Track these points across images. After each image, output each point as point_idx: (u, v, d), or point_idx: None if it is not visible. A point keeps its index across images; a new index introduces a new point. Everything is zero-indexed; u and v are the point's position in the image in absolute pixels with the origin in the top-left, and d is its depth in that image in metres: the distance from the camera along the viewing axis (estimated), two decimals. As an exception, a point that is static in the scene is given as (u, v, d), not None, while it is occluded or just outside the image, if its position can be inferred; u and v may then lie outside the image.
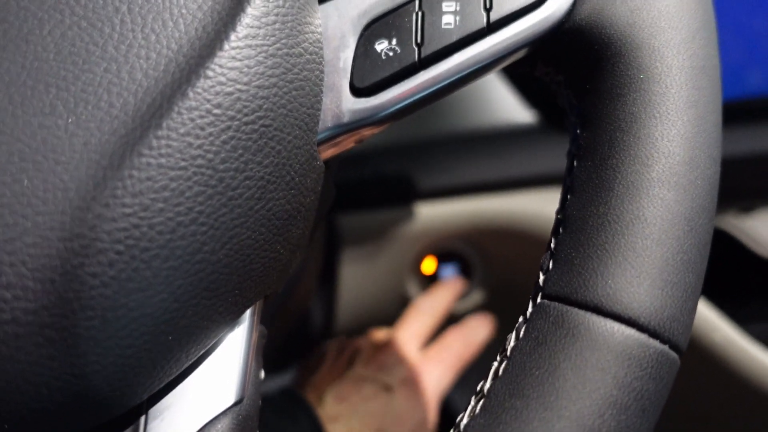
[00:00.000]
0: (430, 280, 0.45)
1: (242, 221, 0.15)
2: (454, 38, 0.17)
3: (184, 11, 0.15)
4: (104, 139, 0.14)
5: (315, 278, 0.43)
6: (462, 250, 0.44)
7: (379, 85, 0.17)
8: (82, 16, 0.15)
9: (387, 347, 0.37)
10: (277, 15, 0.16)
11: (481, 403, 0.15)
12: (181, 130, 0.14)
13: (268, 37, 0.15)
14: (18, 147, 0.13)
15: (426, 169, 0.41)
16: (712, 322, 0.38)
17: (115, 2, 0.15)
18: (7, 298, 0.13)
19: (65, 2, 0.15)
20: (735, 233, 0.41)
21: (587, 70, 0.17)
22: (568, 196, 0.17)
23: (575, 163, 0.17)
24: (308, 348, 0.41)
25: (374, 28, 0.18)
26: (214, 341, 0.16)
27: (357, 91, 0.17)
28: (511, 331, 0.16)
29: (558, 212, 0.17)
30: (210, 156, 0.14)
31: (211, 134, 0.14)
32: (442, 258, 0.44)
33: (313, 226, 0.19)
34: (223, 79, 0.14)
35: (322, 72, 0.17)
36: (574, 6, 0.17)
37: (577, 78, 0.18)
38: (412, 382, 0.36)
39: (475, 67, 0.17)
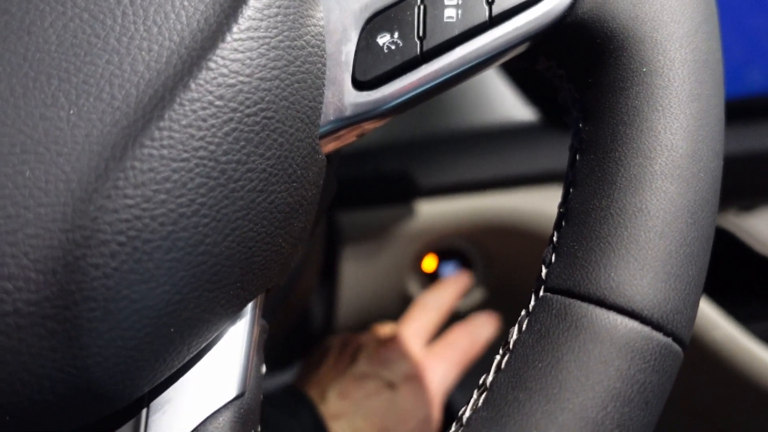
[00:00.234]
0: (431, 278, 0.45)
1: (244, 213, 0.15)
2: (456, 32, 0.17)
3: (186, 3, 0.15)
4: (106, 131, 0.14)
5: (316, 275, 0.43)
6: (462, 248, 0.44)
7: (381, 78, 0.17)
8: (83, 7, 0.15)
9: (391, 343, 0.37)
10: (279, 7, 0.16)
11: (483, 396, 0.15)
12: (183, 122, 0.14)
13: (270, 30, 0.15)
14: (20, 138, 0.13)
15: (426, 167, 0.41)
16: (713, 320, 0.38)
17: None
18: (9, 290, 0.13)
19: None
20: (736, 232, 0.41)
21: (589, 64, 0.17)
22: (571, 190, 0.17)
23: (578, 157, 0.17)
24: (309, 344, 0.41)
25: (376, 21, 0.18)
26: (215, 334, 0.16)
27: (359, 85, 0.17)
28: (513, 326, 0.16)
29: (560, 206, 0.17)
30: (212, 147, 0.14)
31: (213, 126, 0.14)
32: (443, 255, 0.44)
33: (315, 221, 0.19)
34: (225, 71, 0.14)
35: (324, 65, 0.17)
36: (576, 0, 0.17)
37: (579, 72, 0.18)
38: (415, 379, 0.35)
39: (477, 61, 0.17)
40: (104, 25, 0.15)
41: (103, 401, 0.14)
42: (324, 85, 0.17)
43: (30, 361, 0.13)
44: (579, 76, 0.18)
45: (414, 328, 0.38)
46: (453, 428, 0.15)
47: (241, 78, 0.15)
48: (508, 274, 0.45)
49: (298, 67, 0.16)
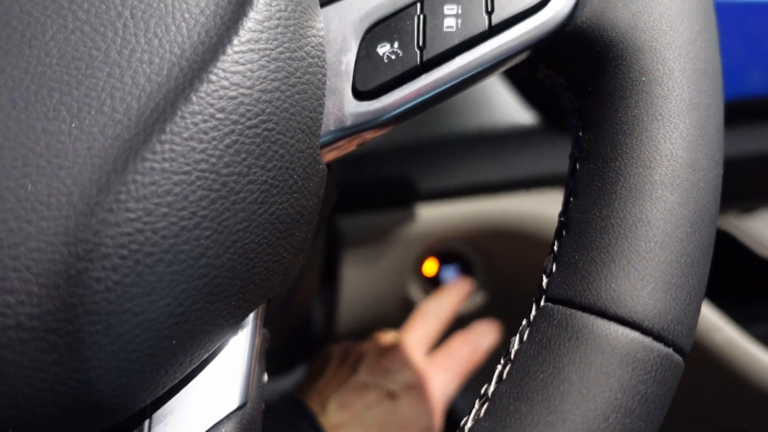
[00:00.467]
0: (432, 282, 0.45)
1: (246, 225, 0.15)
2: (456, 41, 0.17)
3: (186, 15, 0.15)
4: (108, 144, 0.14)
5: (316, 280, 0.43)
6: (463, 252, 0.44)
7: (382, 88, 0.17)
8: (84, 20, 0.15)
9: (392, 352, 0.37)
10: (279, 19, 0.16)
11: (485, 406, 0.15)
12: (185, 135, 0.14)
13: (270, 41, 0.15)
14: (22, 152, 0.14)
15: (427, 171, 0.41)
16: (714, 323, 0.38)
17: (117, 7, 0.15)
18: (11, 303, 0.13)
19: (68, 7, 0.15)
20: (736, 234, 0.41)
21: (589, 73, 0.17)
22: (571, 199, 0.17)
23: (577, 166, 0.17)
24: (309, 350, 0.41)
25: (376, 31, 0.18)
26: (217, 345, 0.16)
27: (359, 95, 0.17)
28: (514, 334, 0.16)
29: (561, 215, 0.17)
30: (213, 160, 0.14)
31: (214, 138, 0.14)
32: (444, 259, 0.44)
33: (316, 230, 0.19)
34: (226, 83, 0.14)
35: (324, 75, 0.17)
36: (575, 9, 0.17)
37: (579, 80, 0.18)
38: (417, 388, 0.35)
39: (477, 70, 0.17)
40: (105, 38, 0.15)
41: (105, 414, 0.14)
42: (324, 96, 0.17)
43: (32, 375, 0.13)
44: (579, 84, 0.18)
45: (415, 337, 0.38)
46: None
47: (242, 90, 0.15)
48: (509, 277, 0.45)
49: (299, 78, 0.16)
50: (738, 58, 0.41)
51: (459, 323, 0.41)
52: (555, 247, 0.16)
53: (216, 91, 0.14)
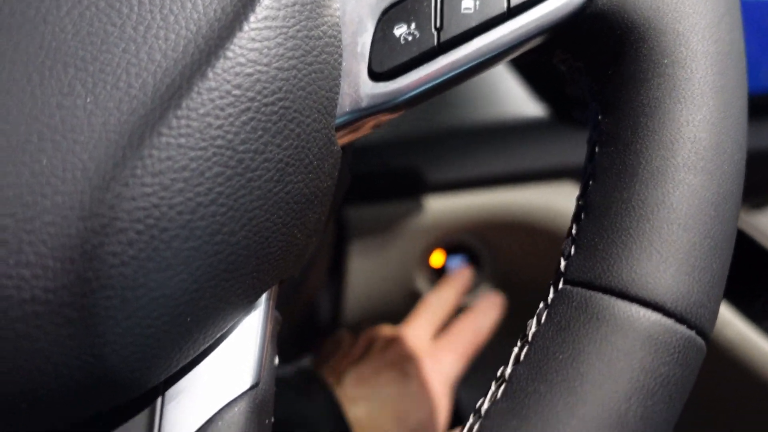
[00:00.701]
0: (439, 274, 0.45)
1: (261, 203, 0.15)
2: (474, 23, 0.17)
3: None
4: (123, 119, 0.13)
5: (324, 270, 0.43)
6: (470, 244, 0.44)
7: (398, 69, 0.17)
8: None
9: (400, 338, 0.38)
10: None
11: (502, 387, 0.15)
12: (201, 111, 0.14)
13: (287, 19, 0.15)
14: (37, 127, 0.13)
15: (435, 162, 0.41)
16: (725, 318, 0.38)
17: None
18: (26, 277, 0.13)
19: None
20: (746, 229, 0.41)
21: (609, 56, 0.17)
22: (590, 183, 0.16)
23: (597, 149, 0.17)
24: (316, 339, 0.41)
25: (393, 12, 0.17)
26: (231, 324, 0.16)
27: (375, 76, 0.17)
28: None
29: (579, 198, 0.17)
30: (230, 137, 0.14)
31: (230, 115, 0.14)
32: (451, 251, 0.44)
33: (329, 213, 0.19)
34: (242, 60, 0.14)
35: (340, 56, 0.17)
36: None
37: (599, 64, 0.17)
38: (425, 370, 0.36)
39: (495, 53, 0.17)
40: (120, 14, 0.14)
41: (119, 389, 0.14)
42: (340, 76, 0.17)
43: (47, 349, 0.13)
44: (598, 68, 0.17)
45: (420, 326, 0.39)
46: (471, 420, 0.15)
47: (258, 67, 0.14)
48: (516, 269, 0.45)
49: (315, 57, 0.16)
50: (749, 55, 0.40)
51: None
52: (573, 231, 0.16)
53: (232, 67, 0.14)
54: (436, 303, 0.40)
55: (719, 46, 0.16)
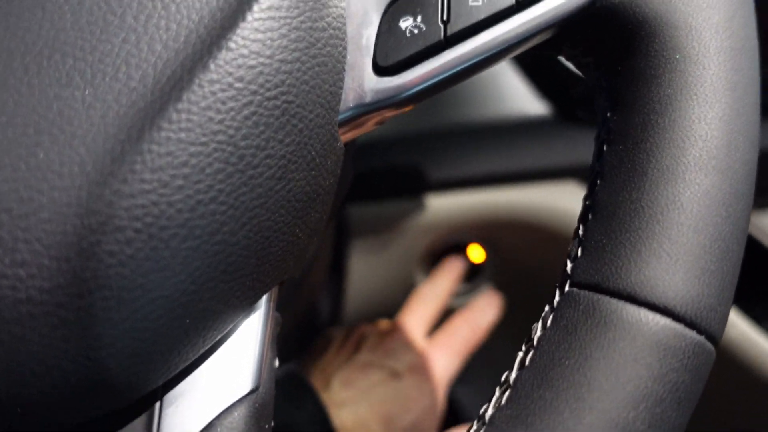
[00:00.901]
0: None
1: (262, 201, 0.14)
2: (482, 16, 0.17)
3: None
4: (122, 112, 0.13)
5: (324, 268, 0.42)
6: (472, 243, 0.44)
7: (403, 63, 0.17)
8: None
9: (393, 334, 0.37)
10: None
11: (507, 393, 0.14)
12: (202, 104, 0.13)
13: (291, 9, 0.15)
14: (33, 118, 0.13)
15: (437, 161, 0.40)
16: (729, 319, 0.38)
17: None
18: (21, 277, 0.12)
19: None
20: (750, 230, 0.41)
21: (619, 51, 0.17)
22: (598, 182, 0.16)
23: (605, 147, 0.16)
24: (316, 338, 0.41)
25: (398, 4, 0.17)
26: (230, 326, 0.16)
27: (380, 70, 0.17)
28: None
29: (586, 198, 0.16)
30: (231, 132, 0.14)
31: (232, 109, 0.14)
32: (453, 250, 0.44)
33: (330, 211, 0.19)
34: (245, 51, 0.14)
35: (345, 49, 0.16)
36: None
37: (608, 59, 0.17)
38: (419, 369, 0.35)
39: (502, 47, 0.17)
40: (121, 3, 0.14)
41: (116, 393, 0.14)
42: (344, 70, 0.16)
43: (42, 351, 0.12)
44: (608, 63, 0.17)
45: (414, 319, 0.38)
46: (475, 427, 0.14)
47: (261, 59, 0.14)
48: (517, 269, 0.44)
49: (320, 49, 0.15)
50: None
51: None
52: (580, 232, 0.16)
53: (235, 59, 0.14)
54: (430, 293, 0.40)
55: (733, 41, 0.16)
